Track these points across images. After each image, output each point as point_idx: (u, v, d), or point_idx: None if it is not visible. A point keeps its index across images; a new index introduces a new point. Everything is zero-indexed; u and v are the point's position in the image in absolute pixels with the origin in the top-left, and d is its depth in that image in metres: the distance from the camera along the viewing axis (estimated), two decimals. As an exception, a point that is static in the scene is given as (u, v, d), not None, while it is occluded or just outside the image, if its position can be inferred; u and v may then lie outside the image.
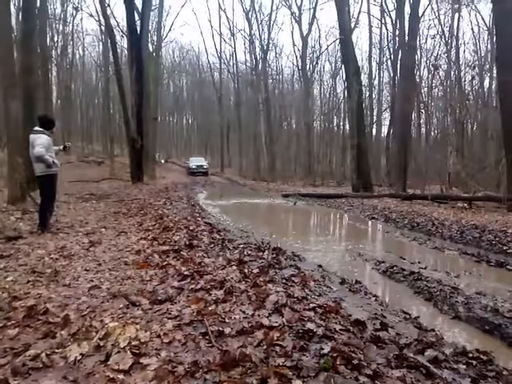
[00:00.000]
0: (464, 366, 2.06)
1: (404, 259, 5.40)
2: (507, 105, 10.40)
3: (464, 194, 12.74)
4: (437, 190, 15.35)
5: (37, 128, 5.71)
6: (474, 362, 2.13)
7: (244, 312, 2.54)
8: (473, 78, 21.01)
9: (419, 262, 5.20)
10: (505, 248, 6.01)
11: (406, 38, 17.60)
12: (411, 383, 1.78)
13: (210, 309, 2.56)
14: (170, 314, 2.54)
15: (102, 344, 2.06)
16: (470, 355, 2.22)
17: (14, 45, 10.20)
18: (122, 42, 28.58)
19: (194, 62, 48.14)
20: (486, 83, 21.95)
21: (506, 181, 11.37)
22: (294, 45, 44.17)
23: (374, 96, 31.51)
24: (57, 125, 7.44)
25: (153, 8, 24.00)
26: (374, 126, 31.06)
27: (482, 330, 3.11)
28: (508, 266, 5.05)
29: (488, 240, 6.54)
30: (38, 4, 13.85)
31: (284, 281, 3.42)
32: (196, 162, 32.65)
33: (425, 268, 4.86)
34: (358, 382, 1.71)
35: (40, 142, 5.52)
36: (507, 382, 1.93)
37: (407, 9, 18.62)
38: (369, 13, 29.04)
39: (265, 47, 32.94)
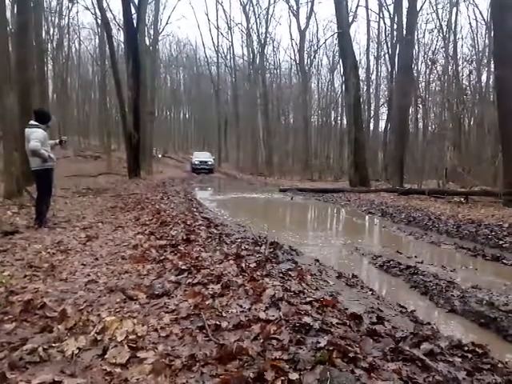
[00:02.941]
0: (459, 359, 2.07)
1: (400, 253, 5.43)
2: (504, 99, 10.41)
3: (461, 189, 12.81)
4: (434, 185, 15.43)
5: (32, 122, 5.68)
6: (470, 355, 2.14)
7: (241, 306, 2.54)
8: (470, 72, 20.95)
9: (415, 257, 5.22)
10: (501, 242, 6.04)
11: (404, 32, 17.54)
12: (407, 376, 1.78)
13: (207, 303, 2.57)
14: (167, 308, 2.55)
15: (99, 338, 2.06)
16: (466, 348, 2.23)
17: (9, 38, 10.10)
18: (119, 36, 28.51)
19: (191, 55, 47.90)
20: (484, 78, 21.88)
21: (502, 175, 11.43)
22: (291, 39, 43.94)
23: (371, 90, 31.49)
24: (53, 119, 7.40)
25: (149, 1, 23.82)
26: (372, 120, 31.06)
27: (477, 323, 3.13)
28: (504, 261, 5.08)
29: (484, 234, 6.57)
30: (33, -3, 13.69)
31: (281, 275, 3.42)
32: (199, 157, 29.26)
33: (421, 262, 4.89)
34: (354, 375, 1.72)
35: (35, 136, 5.48)
36: (502, 375, 1.94)
37: (405, 3, 18.59)
38: (367, 7, 29.04)
39: (262, 41, 32.81)
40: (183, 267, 3.44)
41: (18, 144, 7.38)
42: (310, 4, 31.36)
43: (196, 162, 28.34)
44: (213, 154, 33.26)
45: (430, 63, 21.32)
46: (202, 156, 29.74)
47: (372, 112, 31.10)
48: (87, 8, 36.55)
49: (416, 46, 22.12)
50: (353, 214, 10.02)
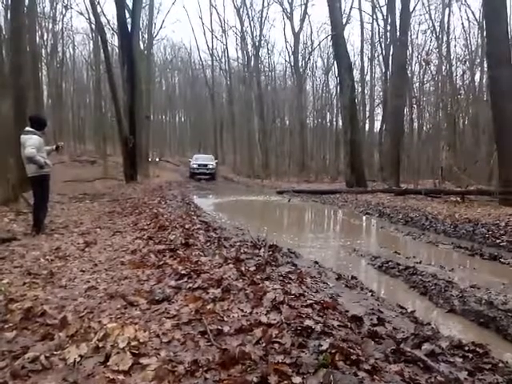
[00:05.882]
0: (460, 359, 2.08)
1: (399, 254, 5.44)
2: (498, 99, 10.47)
3: (457, 188, 12.86)
4: (430, 185, 15.50)
5: (28, 128, 5.65)
6: (470, 355, 2.15)
7: (242, 310, 2.54)
8: (464, 72, 21.15)
9: (414, 257, 5.25)
10: (498, 241, 6.08)
11: (398, 33, 17.67)
12: (409, 377, 1.79)
13: (208, 307, 2.56)
14: (168, 313, 2.54)
15: (100, 345, 2.05)
16: (466, 348, 2.24)
17: (3, 44, 10.07)
18: (113, 40, 28.36)
19: (185, 59, 47.92)
20: (477, 77, 22.08)
21: (497, 174, 11.50)
22: (285, 41, 44.32)
23: (366, 91, 31.67)
24: (48, 125, 7.38)
25: (143, 5, 23.81)
26: (367, 121, 31.25)
27: (477, 322, 3.15)
28: (501, 259, 5.11)
29: (481, 233, 6.61)
30: (27, 2, 13.67)
31: (281, 278, 3.43)
32: (199, 160, 25.84)
33: (419, 262, 4.91)
34: (356, 378, 1.72)
35: (31, 142, 5.46)
36: (503, 374, 1.95)
37: (398, 4, 18.71)
38: (360, 8, 29.17)
39: (257, 44, 32.85)
40: (183, 272, 3.43)
41: (14, 150, 7.34)
42: (303, 7, 31.52)
43: (194, 166, 25.10)
44: (215, 157, 29.46)
45: (423, 64, 21.49)
46: (201, 159, 26.28)
47: (367, 113, 31.30)
48: (81, 13, 36.35)
49: (410, 47, 22.29)
50: (350, 215, 10.05)
